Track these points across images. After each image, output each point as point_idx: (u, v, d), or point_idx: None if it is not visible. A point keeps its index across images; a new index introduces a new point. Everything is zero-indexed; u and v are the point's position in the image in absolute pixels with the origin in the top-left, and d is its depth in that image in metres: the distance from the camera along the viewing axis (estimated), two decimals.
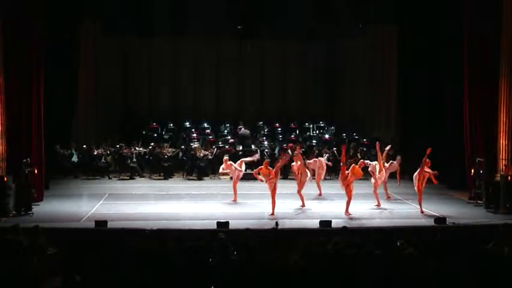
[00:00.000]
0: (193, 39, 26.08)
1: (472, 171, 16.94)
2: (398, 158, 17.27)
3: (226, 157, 17.57)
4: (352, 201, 15.42)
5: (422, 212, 15.52)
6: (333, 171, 20.82)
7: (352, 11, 23.19)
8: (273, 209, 15.31)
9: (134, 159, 21.03)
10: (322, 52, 27.24)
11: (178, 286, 8.69)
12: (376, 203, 16.45)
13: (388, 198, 17.16)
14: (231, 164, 17.05)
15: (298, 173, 16.49)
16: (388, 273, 8.88)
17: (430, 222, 14.29)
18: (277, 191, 15.87)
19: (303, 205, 16.18)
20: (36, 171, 16.00)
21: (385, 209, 16.15)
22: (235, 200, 16.83)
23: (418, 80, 20.40)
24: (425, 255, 9.55)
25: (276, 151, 22.44)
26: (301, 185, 16.38)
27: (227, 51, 26.67)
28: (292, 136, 24.09)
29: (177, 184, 19.97)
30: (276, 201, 15.68)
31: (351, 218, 14.83)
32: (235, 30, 24.56)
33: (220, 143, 23.04)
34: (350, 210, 15.27)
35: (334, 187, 18.54)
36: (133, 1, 23.28)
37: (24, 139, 16.20)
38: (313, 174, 17.51)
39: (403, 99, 21.80)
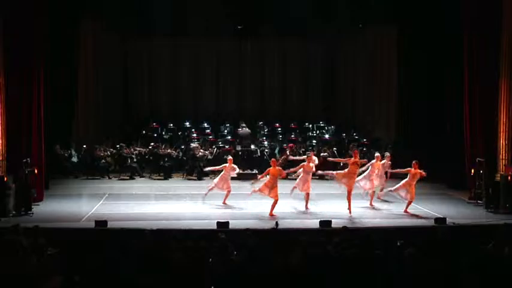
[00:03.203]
0: (193, 39, 26.09)
1: (472, 171, 16.94)
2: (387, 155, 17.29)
3: (230, 157, 17.48)
4: (352, 201, 15.55)
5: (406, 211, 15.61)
6: (333, 171, 20.81)
7: (352, 11, 23.19)
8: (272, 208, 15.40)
9: (134, 159, 21.03)
10: (322, 52, 27.25)
11: (178, 286, 8.69)
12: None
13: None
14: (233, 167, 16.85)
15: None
16: (388, 273, 8.88)
17: (430, 222, 14.28)
18: (278, 190, 15.92)
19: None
20: (36, 171, 15.99)
21: (385, 209, 16.19)
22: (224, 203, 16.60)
23: (418, 80, 20.41)
24: (425, 255, 9.55)
25: (276, 151, 22.46)
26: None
27: (227, 51, 26.68)
28: (292, 136, 24.08)
29: (177, 184, 19.97)
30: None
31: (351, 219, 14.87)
32: (235, 30, 24.56)
33: (220, 143, 23.04)
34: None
35: (334, 187, 18.54)
36: (133, 0, 23.27)
37: (24, 139, 16.20)
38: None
39: (403, 99, 21.80)
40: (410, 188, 15.45)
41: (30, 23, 16.09)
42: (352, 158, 15.94)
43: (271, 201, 15.44)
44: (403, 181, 15.62)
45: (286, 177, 16.99)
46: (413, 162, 15.50)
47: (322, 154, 19.56)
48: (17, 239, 10.39)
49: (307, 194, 16.09)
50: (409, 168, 15.51)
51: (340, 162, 19.23)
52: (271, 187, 15.34)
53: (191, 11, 23.79)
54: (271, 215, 15.17)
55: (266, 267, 8.86)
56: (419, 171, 15.40)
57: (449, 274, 8.88)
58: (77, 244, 10.72)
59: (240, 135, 22.01)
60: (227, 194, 16.58)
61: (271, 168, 15.50)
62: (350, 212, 15.35)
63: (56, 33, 18.45)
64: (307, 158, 16.30)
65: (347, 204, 15.50)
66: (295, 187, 16.23)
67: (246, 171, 20.33)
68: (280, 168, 15.79)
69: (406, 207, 15.65)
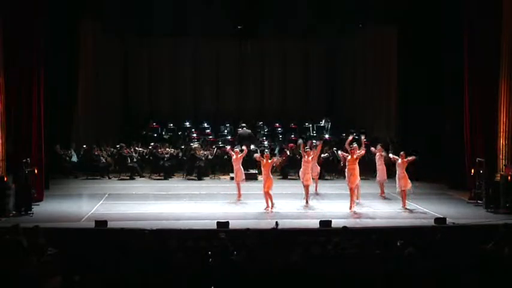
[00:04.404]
0: (193, 39, 26.09)
1: (472, 171, 16.93)
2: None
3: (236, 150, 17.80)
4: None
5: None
6: (333, 171, 20.84)
7: (352, 11, 23.17)
8: (271, 204, 15.67)
9: (134, 159, 21.03)
10: (322, 52, 27.26)
11: (178, 286, 8.69)
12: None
13: (382, 194, 17.42)
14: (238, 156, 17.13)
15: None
16: (388, 273, 8.89)
17: (430, 222, 14.28)
18: (278, 190, 16.02)
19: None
20: (36, 171, 15.99)
21: (385, 209, 16.20)
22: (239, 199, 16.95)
23: (418, 80, 20.41)
24: (425, 255, 9.55)
25: (276, 151, 22.46)
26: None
27: (227, 51, 26.68)
28: (292, 136, 24.08)
29: (177, 184, 19.95)
30: (277, 201, 15.84)
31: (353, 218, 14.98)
32: (235, 30, 24.55)
33: (220, 143, 23.03)
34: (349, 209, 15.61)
35: (334, 187, 18.57)
36: (133, 1, 23.27)
37: (24, 139, 16.20)
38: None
39: (403, 99, 21.80)
40: (404, 178, 15.87)
41: (30, 23, 16.09)
42: (350, 156, 15.96)
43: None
44: (397, 176, 16.10)
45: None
46: (401, 153, 16.13)
47: (322, 155, 19.58)
48: (17, 239, 10.41)
49: (307, 187, 16.31)
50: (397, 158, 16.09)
51: (340, 162, 19.30)
52: (265, 180, 15.77)
53: (191, 11, 23.77)
54: (268, 206, 15.66)
55: (266, 267, 8.86)
56: (405, 160, 15.95)
57: (449, 274, 8.88)
58: (77, 244, 10.73)
59: (239, 135, 22.00)
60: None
61: (262, 161, 16.06)
62: (351, 208, 15.54)
63: (56, 33, 18.45)
64: (305, 152, 16.46)
65: (350, 202, 15.69)
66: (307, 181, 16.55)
67: (245, 172, 20.31)
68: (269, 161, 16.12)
69: (404, 202, 15.98)
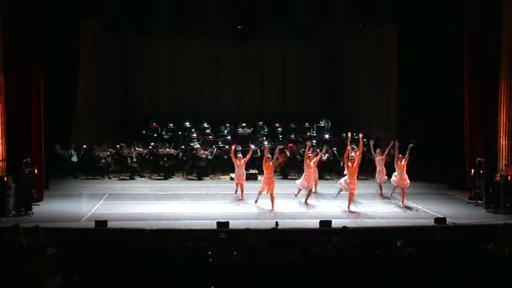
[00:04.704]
0: (193, 39, 26.08)
1: (472, 171, 16.94)
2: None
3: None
4: (352, 201, 15.84)
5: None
6: (333, 171, 20.83)
7: (352, 11, 23.15)
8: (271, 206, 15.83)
9: (134, 159, 21.02)
10: (322, 52, 27.25)
11: (178, 286, 8.69)
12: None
13: (381, 195, 17.48)
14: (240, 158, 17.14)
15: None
16: (388, 273, 8.89)
17: (430, 222, 14.28)
18: (278, 191, 16.03)
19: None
20: (36, 171, 15.99)
21: (385, 209, 16.21)
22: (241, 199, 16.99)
23: (418, 80, 20.41)
24: (425, 255, 9.55)
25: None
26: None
27: (227, 51, 26.66)
28: (292, 136, 24.07)
29: (177, 184, 19.95)
30: (276, 201, 15.87)
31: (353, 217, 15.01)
32: (235, 30, 24.54)
33: (220, 143, 23.03)
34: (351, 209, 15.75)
35: (335, 187, 18.54)
36: (133, 1, 23.26)
37: (24, 139, 16.20)
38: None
39: (403, 99, 21.80)
40: (403, 179, 16.20)
41: (30, 23, 16.08)
42: (351, 164, 15.99)
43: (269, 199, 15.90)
44: (396, 176, 16.44)
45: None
46: (399, 155, 16.34)
47: (323, 158, 19.56)
48: (17, 239, 10.41)
49: (310, 191, 16.55)
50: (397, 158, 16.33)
51: (340, 162, 19.36)
52: (268, 183, 15.83)
53: (191, 11, 23.75)
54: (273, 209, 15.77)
55: (266, 267, 8.86)
56: (403, 163, 16.20)
57: (449, 274, 8.88)
58: (77, 244, 10.73)
59: (239, 135, 21.98)
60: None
61: (265, 164, 16.10)
62: (348, 208, 15.69)
63: (56, 33, 18.46)
64: (308, 157, 16.48)
65: (347, 202, 15.81)
66: (300, 190, 16.73)
67: (246, 172, 20.29)
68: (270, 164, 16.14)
69: (402, 199, 16.26)
